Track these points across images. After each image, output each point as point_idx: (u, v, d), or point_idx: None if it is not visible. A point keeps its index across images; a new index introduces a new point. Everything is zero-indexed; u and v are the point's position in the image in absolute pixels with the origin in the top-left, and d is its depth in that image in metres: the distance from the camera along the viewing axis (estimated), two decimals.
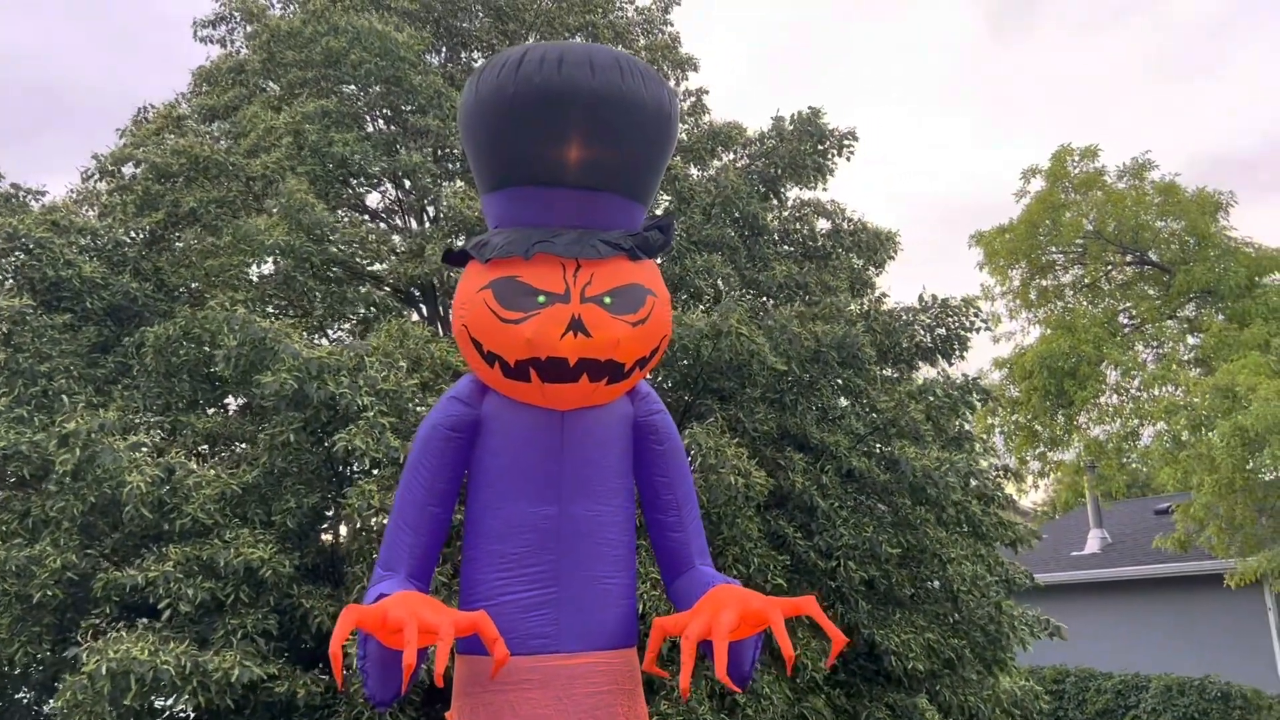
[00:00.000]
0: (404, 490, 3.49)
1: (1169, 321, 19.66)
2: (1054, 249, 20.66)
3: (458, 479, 3.53)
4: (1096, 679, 18.40)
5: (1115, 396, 19.46)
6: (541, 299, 3.14)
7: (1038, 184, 20.67)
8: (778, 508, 6.66)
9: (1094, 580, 20.23)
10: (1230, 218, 19.43)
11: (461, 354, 3.37)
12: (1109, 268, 20.89)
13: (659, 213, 8.31)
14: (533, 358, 3.15)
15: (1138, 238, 19.59)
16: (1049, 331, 20.20)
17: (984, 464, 6.51)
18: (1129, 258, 20.43)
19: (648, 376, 4.02)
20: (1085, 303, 20.77)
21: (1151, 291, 20.42)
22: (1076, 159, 20.40)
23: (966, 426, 8.03)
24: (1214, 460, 13.79)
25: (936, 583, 7.36)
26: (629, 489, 3.62)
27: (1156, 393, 18.19)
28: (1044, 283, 21.12)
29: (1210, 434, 14.95)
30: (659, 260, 7.75)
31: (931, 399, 7.35)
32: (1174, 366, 18.30)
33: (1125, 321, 20.63)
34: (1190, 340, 19.36)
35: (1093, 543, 22.41)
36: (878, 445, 7.07)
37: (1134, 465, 22.43)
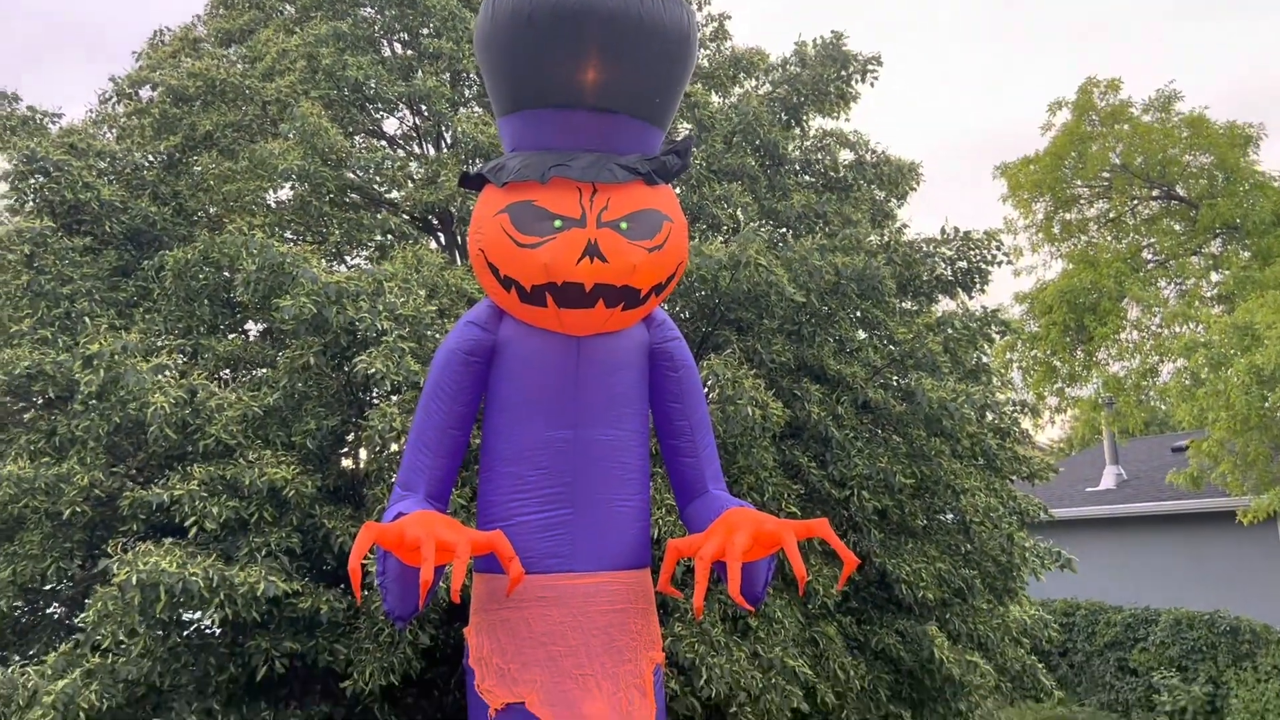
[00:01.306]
0: (422, 413, 3.53)
1: (1193, 258, 19.44)
2: (1079, 182, 20.37)
3: (475, 402, 3.57)
4: (1106, 612, 18.57)
5: (1135, 333, 19.34)
6: (558, 224, 3.14)
7: (1064, 117, 20.34)
8: (793, 438, 6.70)
9: (1108, 516, 20.30)
10: (1260, 151, 19.11)
11: (478, 278, 3.37)
12: (1134, 202, 20.60)
13: (677, 139, 8.23)
14: (549, 283, 3.15)
15: (1165, 172, 19.28)
16: (1071, 266, 20.02)
17: (1001, 397, 6.50)
18: (1155, 192, 20.14)
19: (664, 305, 4.03)
20: (1109, 237, 20.54)
21: (1176, 227, 20.16)
22: (1102, 91, 20.02)
23: (984, 360, 8.02)
24: (1229, 397, 13.74)
25: (950, 515, 7.42)
26: (644, 414, 3.65)
27: (1177, 330, 18.06)
28: (1067, 216, 20.88)
29: (1227, 372, 14.88)
30: (677, 188, 7.72)
31: (950, 331, 7.33)
32: (1195, 303, 18.14)
33: (1149, 257, 20.41)
34: (1213, 277, 19.16)
35: (1108, 479, 22.45)
36: (894, 377, 7.07)
37: (1153, 403, 22.36)
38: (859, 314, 7.35)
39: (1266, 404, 13.34)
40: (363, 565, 3.53)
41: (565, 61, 3.05)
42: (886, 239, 7.72)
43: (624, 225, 3.13)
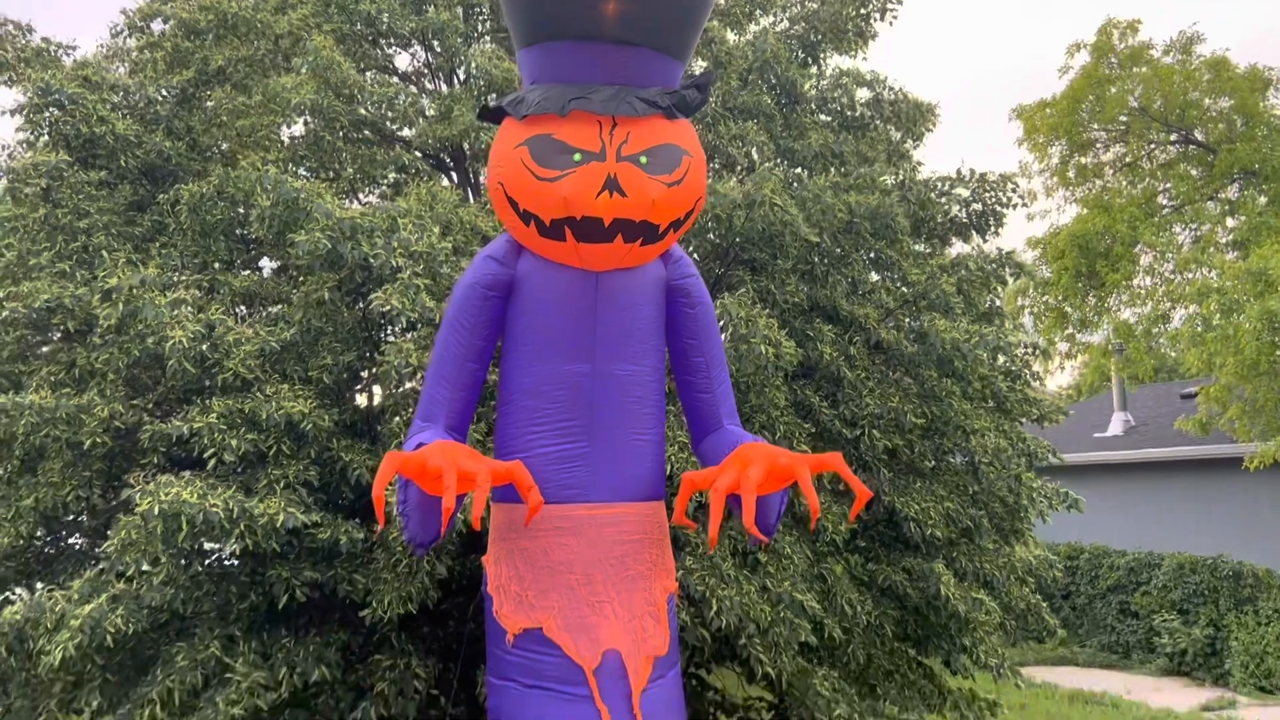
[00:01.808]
0: (441, 347, 3.58)
1: (1208, 203, 19.28)
2: (1095, 126, 20.14)
3: (493, 336, 3.62)
4: (1110, 556, 18.75)
5: (1148, 279, 19.26)
6: (577, 157, 3.16)
7: (1083, 59, 20.06)
8: (805, 378, 6.74)
9: (1115, 461, 20.40)
10: None
11: (496, 213, 3.40)
12: (1151, 146, 20.39)
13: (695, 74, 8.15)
14: (568, 217, 3.19)
15: (1184, 115, 19.05)
16: (1085, 211, 19.89)
17: (1014, 339, 6.53)
18: (1173, 136, 19.91)
19: (680, 243, 4.04)
20: (1124, 182, 20.37)
21: (1193, 172, 19.97)
22: (1122, 32, 19.72)
23: (998, 302, 8.02)
24: (1240, 343, 13.73)
25: (959, 456, 7.48)
26: (660, 350, 3.70)
27: (1189, 276, 17.99)
28: (1083, 161, 20.68)
29: (1238, 318, 14.84)
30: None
31: (964, 273, 7.33)
32: (1209, 249, 18.03)
33: (1164, 203, 20.25)
34: (1229, 223, 19.02)
35: (1116, 425, 22.52)
36: (907, 318, 7.09)
37: (1162, 350, 22.33)
38: (872, 255, 7.34)
39: (1279, 350, 13.32)
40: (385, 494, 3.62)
41: None
42: (901, 178, 7.68)
43: (643, 159, 3.15)
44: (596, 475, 3.47)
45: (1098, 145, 20.70)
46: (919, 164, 8.24)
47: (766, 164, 6.83)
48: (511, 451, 3.47)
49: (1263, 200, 18.84)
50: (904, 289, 7.56)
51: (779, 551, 5.88)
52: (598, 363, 3.46)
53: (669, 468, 5.27)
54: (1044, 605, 7.70)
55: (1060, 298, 19.81)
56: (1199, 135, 19.60)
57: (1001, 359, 7.41)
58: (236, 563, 6.06)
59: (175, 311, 5.80)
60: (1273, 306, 13.03)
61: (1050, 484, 8.21)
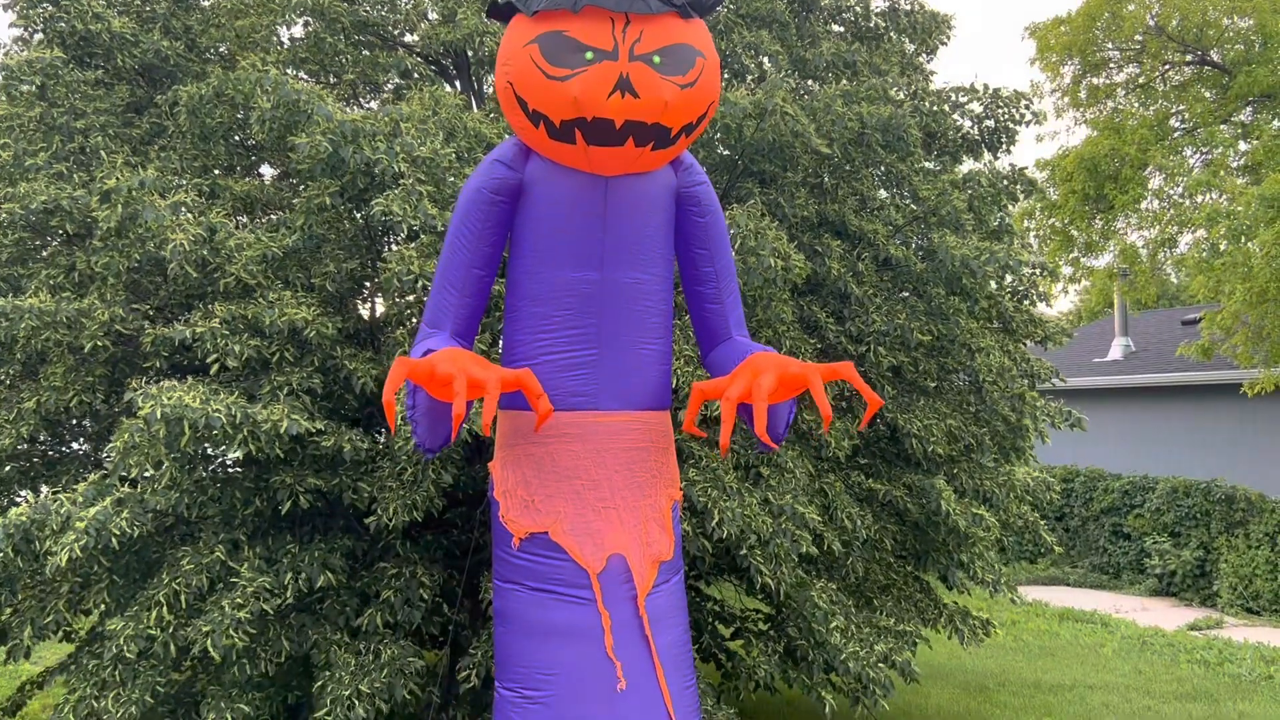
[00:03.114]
0: (447, 252, 3.55)
1: (1222, 126, 18.99)
2: (1110, 45, 19.74)
3: (501, 243, 3.59)
4: (1105, 479, 18.93)
5: (1156, 202, 19.07)
6: (589, 55, 3.10)
7: None
8: (811, 294, 6.69)
9: (1113, 386, 20.49)
10: None
11: (505, 114, 3.33)
12: (1165, 68, 20.01)
13: None
14: (579, 118, 3.13)
15: (1201, 35, 18.65)
16: (1095, 134, 19.61)
17: (1024, 258, 6.46)
18: (1189, 57, 19.52)
19: (689, 152, 3.97)
20: (1136, 104, 20.04)
21: (1208, 94, 19.63)
22: None
23: (1008, 220, 7.91)
24: (1250, 268, 13.65)
25: (963, 376, 7.47)
26: (669, 258, 3.67)
27: (1200, 199, 17.81)
28: (1095, 81, 20.32)
29: (1249, 244, 14.73)
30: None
31: (976, 189, 7.22)
32: (1220, 173, 17.81)
33: (1176, 126, 19.95)
34: (1241, 146, 18.76)
35: (1116, 350, 22.57)
36: (916, 235, 7.01)
37: (1165, 275, 22.22)
38: (882, 170, 7.22)
39: None
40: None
41: None
42: (914, 88, 7.51)
43: (657, 59, 3.09)
44: (604, 382, 3.48)
45: (1111, 65, 20.32)
46: (933, 74, 8.05)
47: (779, 74, 6.65)
48: (518, 359, 3.46)
49: (1277, 124, 18.56)
50: (913, 206, 7.46)
51: (781, 466, 5.90)
52: (606, 270, 3.44)
53: (675, 380, 5.25)
54: (1042, 524, 7.76)
55: (1066, 220, 19.65)
56: (1215, 56, 19.22)
57: (1009, 278, 7.35)
58: (240, 469, 6.07)
59: (176, 215, 5.71)
60: None
61: (1053, 403, 8.21)
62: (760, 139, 6.02)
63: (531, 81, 3.09)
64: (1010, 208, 7.97)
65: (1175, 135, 19.58)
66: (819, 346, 6.38)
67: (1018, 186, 7.56)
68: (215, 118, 6.68)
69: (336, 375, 5.89)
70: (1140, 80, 20.10)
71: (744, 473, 5.90)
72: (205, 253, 5.72)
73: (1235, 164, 18.77)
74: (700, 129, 3.37)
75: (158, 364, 5.99)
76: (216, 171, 7.05)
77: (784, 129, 5.91)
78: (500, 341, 4.30)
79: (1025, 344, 8.44)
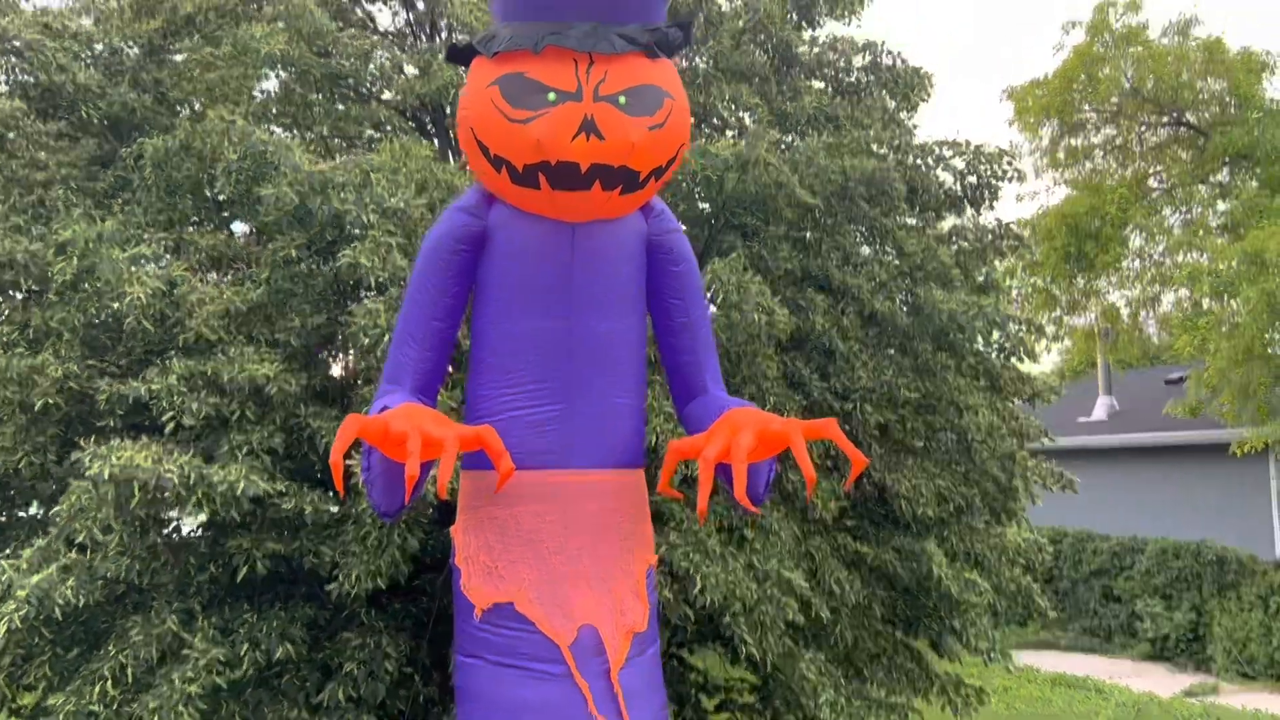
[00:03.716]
0: (408, 305, 3.38)
1: (1200, 186, 19.13)
2: (1088, 106, 19.96)
3: (463, 294, 3.42)
4: (1093, 540, 18.69)
5: (1137, 261, 19.14)
6: (552, 96, 2.98)
7: (1078, 37, 19.85)
8: (796, 349, 6.50)
9: (1099, 446, 20.34)
10: (1275, 78, 18.66)
11: (467, 160, 3.18)
12: (1142, 129, 20.22)
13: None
14: (542, 161, 3.00)
15: (1177, 97, 18.85)
16: (1074, 193, 19.74)
17: (1012, 312, 6.30)
18: (1165, 119, 19.73)
19: (668, 205, 3.80)
20: (1115, 164, 20.21)
21: (1184, 155, 19.81)
22: (1120, 11, 19.50)
23: (993, 276, 7.76)
24: (1235, 325, 13.60)
25: (952, 434, 7.27)
26: (641, 309, 3.49)
27: (1181, 259, 17.86)
28: (1074, 142, 20.51)
29: (1232, 301, 14.72)
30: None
31: (962, 244, 7.09)
32: (1200, 232, 17.90)
33: (1155, 185, 20.11)
34: (1220, 206, 18.88)
35: (1100, 409, 22.48)
36: (902, 290, 6.85)
37: (1147, 336, 22.24)
38: (867, 223, 7.08)
39: (1273, 335, 13.19)
40: (347, 463, 3.39)
41: None
42: (897, 142, 7.42)
43: (622, 100, 2.95)
44: (573, 440, 3.26)
45: (1089, 126, 20.52)
46: (916, 127, 7.97)
47: (759, 125, 6.54)
48: (482, 415, 3.25)
49: (1254, 184, 18.69)
50: (895, 261, 7.33)
51: (766, 528, 5.65)
52: (574, 320, 3.25)
53: (653, 438, 5.02)
54: (1035, 588, 7.52)
55: (1048, 279, 19.66)
56: (1191, 118, 19.42)
57: (996, 334, 7.19)
58: (197, 531, 5.78)
59: (135, 267, 5.49)
60: (1270, 287, 12.88)
61: (1045, 464, 8.01)
62: (742, 191, 5.88)
63: (493, 125, 2.95)
64: (996, 263, 7.85)
65: (1154, 195, 19.72)
66: (804, 403, 6.18)
67: (1004, 242, 7.44)
68: (182, 171, 6.50)
69: (300, 434, 5.64)
70: (1118, 141, 20.29)
71: (727, 535, 5.65)
72: (164, 307, 5.50)
73: (1214, 223, 18.87)
74: (670, 172, 3.23)
75: (113, 422, 5.72)
76: (190, 227, 6.85)
77: (766, 180, 5.77)
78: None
79: (1013, 401, 8.26)
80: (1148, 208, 18.85)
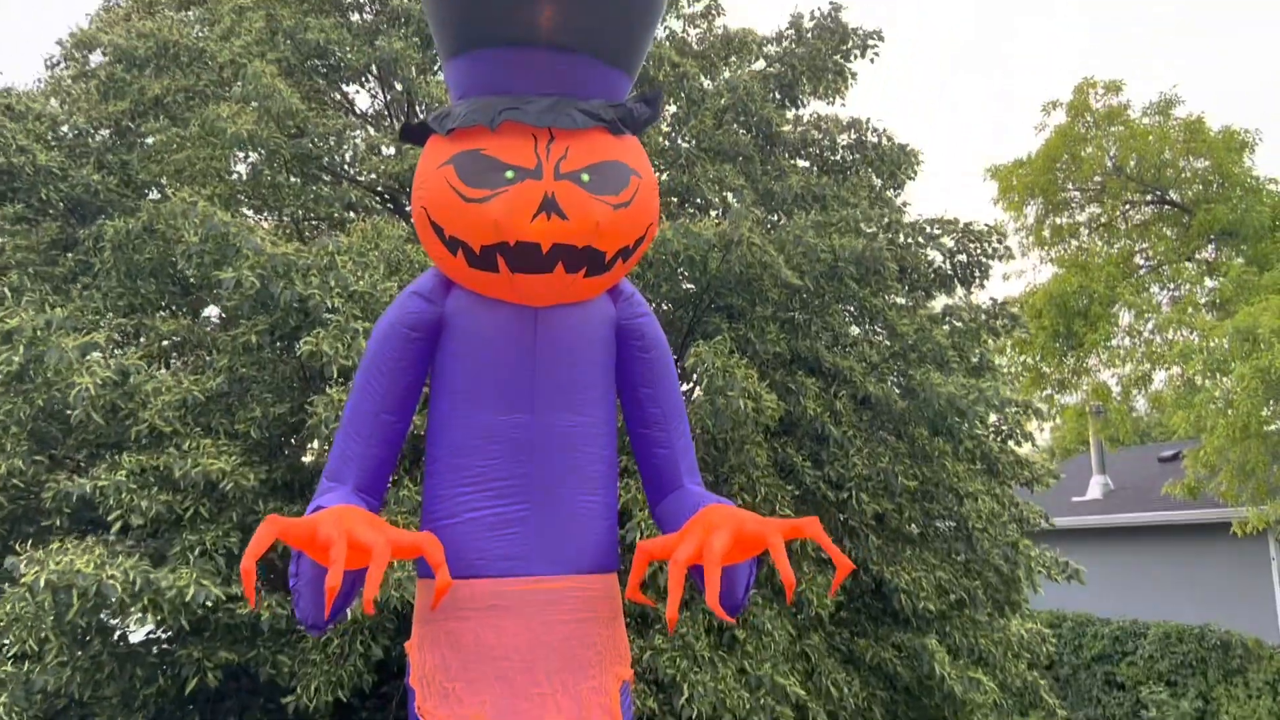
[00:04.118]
0: (356, 395, 3.08)
1: (1186, 263, 19.14)
2: (1071, 185, 20.06)
3: (418, 384, 3.12)
4: (1094, 624, 18.23)
5: (1127, 339, 19.02)
6: (510, 174, 2.73)
7: (1059, 118, 20.04)
8: (786, 435, 6.19)
9: (1096, 526, 19.98)
10: (1256, 156, 18.81)
11: (422, 243, 2.93)
12: (1127, 207, 20.31)
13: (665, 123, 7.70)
14: (500, 242, 2.74)
15: (1159, 175, 18.97)
16: (1061, 271, 19.72)
17: (1010, 394, 6.03)
18: (1149, 197, 19.83)
19: (634, 279, 3.56)
20: (1100, 242, 20.25)
21: (1169, 232, 19.87)
22: (1100, 92, 19.71)
23: (988, 356, 7.50)
24: (1231, 403, 13.39)
25: (950, 521, 6.95)
26: (610, 399, 3.20)
27: (1171, 336, 17.74)
28: (1059, 220, 20.57)
29: (1224, 379, 14.55)
30: (664, 173, 7.21)
31: (957, 324, 6.85)
32: (1189, 309, 17.82)
33: (1141, 263, 20.12)
34: (1208, 283, 18.86)
35: (1095, 489, 22.18)
36: (895, 372, 6.58)
37: (1136, 414, 22.07)
38: (855, 304, 6.85)
39: (1275, 409, 12.97)
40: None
41: None
42: (887, 220, 7.22)
43: (585, 177, 2.72)
44: (538, 543, 2.94)
45: (1073, 205, 20.60)
46: (906, 204, 7.81)
47: (742, 205, 6.33)
48: (440, 516, 2.94)
49: (1239, 261, 18.70)
50: (886, 342, 7.08)
51: (758, 628, 5.28)
52: (538, 413, 2.96)
53: (636, 534, 4.69)
54: (1042, 684, 7.11)
55: (1038, 357, 19.51)
56: (1174, 196, 19.52)
57: (994, 417, 6.92)
58: (144, 640, 5.37)
59: (86, 356, 5.18)
60: (1263, 364, 12.71)
61: (1048, 551, 7.66)
62: (726, 271, 5.64)
63: (447, 205, 2.71)
64: (990, 343, 7.61)
65: (1141, 272, 19.71)
66: (796, 493, 5.85)
67: (998, 321, 7.21)
68: (144, 253, 6.25)
69: None
70: (1102, 219, 20.35)
71: (717, 637, 5.28)
72: (116, 398, 5.18)
73: (1203, 299, 18.82)
74: (638, 254, 2.98)
75: (58, 521, 5.35)
76: (146, 309, 6.57)
77: (752, 260, 5.53)
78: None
79: (1011, 486, 7.95)
80: (1135, 284, 18.81)
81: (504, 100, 2.67)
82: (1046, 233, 20.49)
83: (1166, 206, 19.76)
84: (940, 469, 6.19)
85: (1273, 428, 14.37)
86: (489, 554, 2.83)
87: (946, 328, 6.89)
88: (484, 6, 2.70)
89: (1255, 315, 13.83)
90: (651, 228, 2.91)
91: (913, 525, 6.65)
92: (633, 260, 2.94)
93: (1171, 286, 19.08)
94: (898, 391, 6.26)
